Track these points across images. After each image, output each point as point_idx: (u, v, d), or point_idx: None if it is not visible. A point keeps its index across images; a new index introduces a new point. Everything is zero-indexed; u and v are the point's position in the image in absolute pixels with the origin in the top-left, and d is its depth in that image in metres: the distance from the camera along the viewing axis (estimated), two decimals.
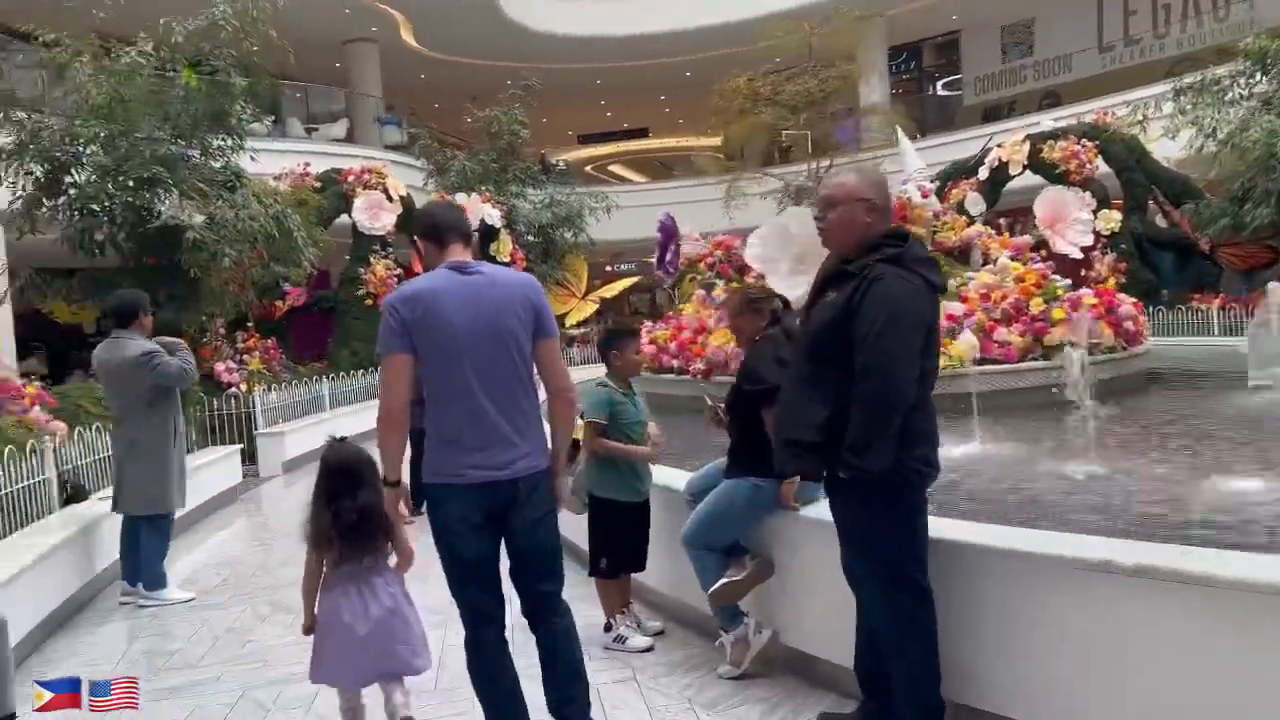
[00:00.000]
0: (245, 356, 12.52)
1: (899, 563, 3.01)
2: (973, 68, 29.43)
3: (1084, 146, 16.41)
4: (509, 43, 25.51)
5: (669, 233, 10.73)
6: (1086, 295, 8.43)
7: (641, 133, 39.88)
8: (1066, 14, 26.67)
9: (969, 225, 10.06)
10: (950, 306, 8.20)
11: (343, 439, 3.52)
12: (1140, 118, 15.28)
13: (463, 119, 22.20)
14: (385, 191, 16.00)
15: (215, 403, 11.02)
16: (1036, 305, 8.12)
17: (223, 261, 10.24)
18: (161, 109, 10.59)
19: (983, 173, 17.53)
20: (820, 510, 3.71)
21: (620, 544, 4.33)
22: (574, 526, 4.76)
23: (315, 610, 3.42)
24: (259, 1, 10.65)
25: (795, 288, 9.01)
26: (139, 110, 10.37)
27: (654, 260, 11.26)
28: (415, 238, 3.29)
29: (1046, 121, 18.87)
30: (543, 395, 3.22)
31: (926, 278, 2.97)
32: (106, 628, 5.47)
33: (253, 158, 11.52)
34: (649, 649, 4.32)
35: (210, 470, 8.86)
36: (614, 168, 45.45)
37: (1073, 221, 10.82)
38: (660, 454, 4.44)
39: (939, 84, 30.05)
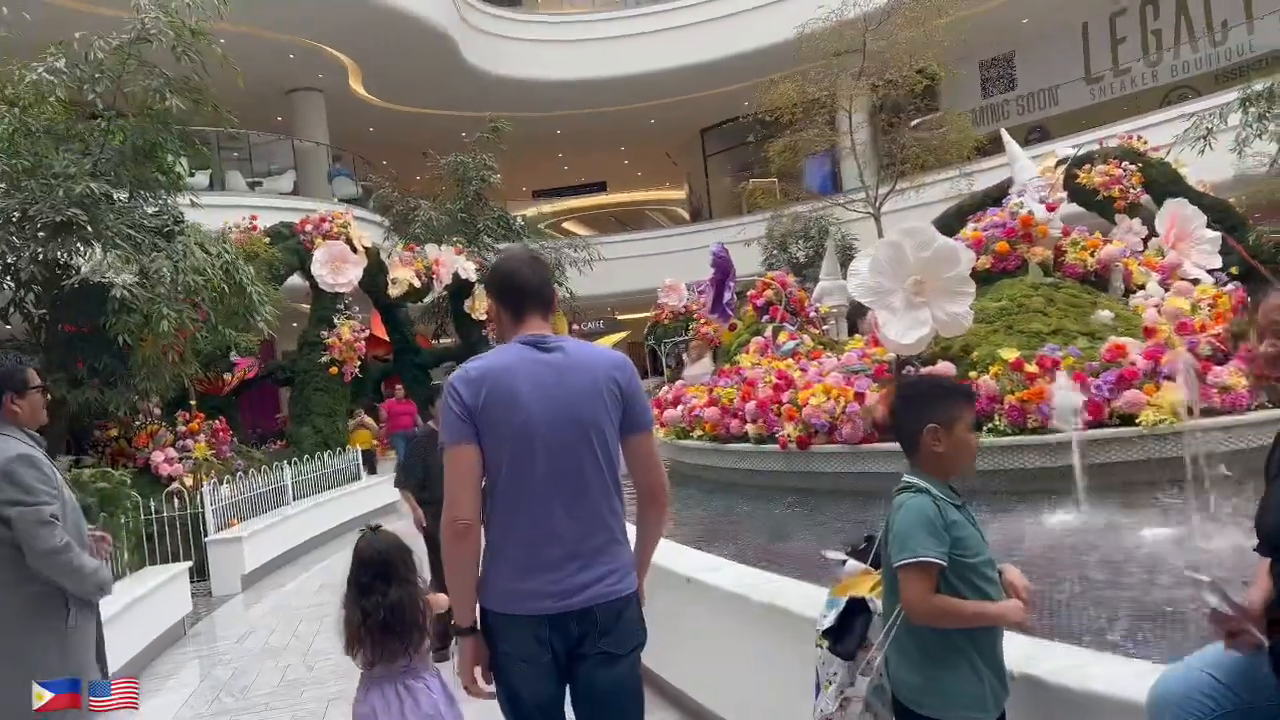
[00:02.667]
0: (189, 442, 10.21)
1: None
2: (952, 105, 28.27)
3: (1126, 170, 14.87)
4: (467, 90, 23.80)
5: (725, 267, 8.66)
6: None
7: (599, 186, 38.35)
8: (1049, 46, 25.73)
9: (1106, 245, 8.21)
10: (1133, 343, 6.29)
11: (376, 528, 3.15)
12: (1204, 131, 13.70)
13: (413, 175, 20.24)
14: (349, 243, 13.82)
15: (153, 504, 8.71)
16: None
17: (159, 326, 8.15)
18: (80, 141, 8.51)
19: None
20: None
21: None
22: None
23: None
24: (200, 5, 8.63)
25: (914, 327, 7.05)
26: (50, 143, 8.30)
27: (706, 302, 9.19)
28: (490, 297, 2.58)
29: (1064, 148, 17.42)
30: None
31: None
32: None
33: (193, 201, 9.47)
34: None
35: (150, 601, 6.56)
36: (568, 224, 43.82)
37: (1199, 240, 9.05)
38: (1032, 618, 2.35)
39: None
